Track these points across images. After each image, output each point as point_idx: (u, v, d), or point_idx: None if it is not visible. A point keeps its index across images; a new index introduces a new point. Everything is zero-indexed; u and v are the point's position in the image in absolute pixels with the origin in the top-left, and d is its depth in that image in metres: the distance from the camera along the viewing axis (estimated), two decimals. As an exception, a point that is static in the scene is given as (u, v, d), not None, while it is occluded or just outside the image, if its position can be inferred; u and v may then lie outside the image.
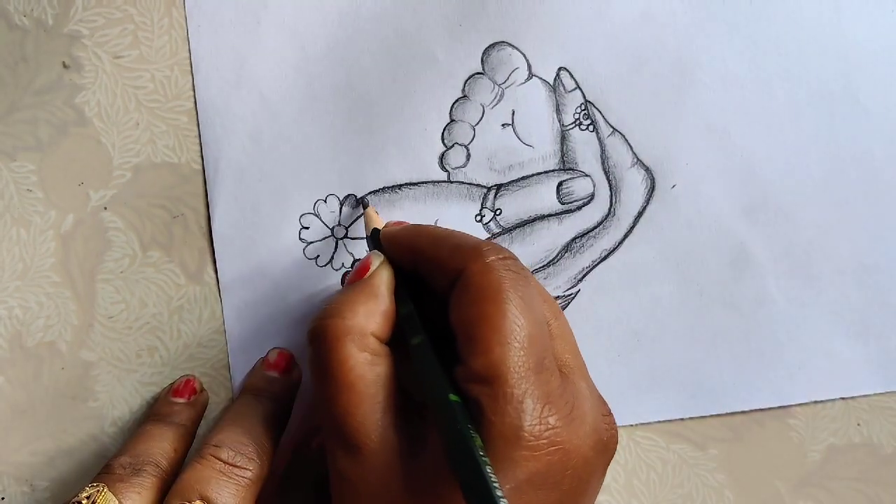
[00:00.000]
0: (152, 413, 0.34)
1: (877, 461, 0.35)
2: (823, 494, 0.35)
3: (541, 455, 0.24)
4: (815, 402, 0.35)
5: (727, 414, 0.35)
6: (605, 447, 0.26)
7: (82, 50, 0.34)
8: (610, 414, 0.27)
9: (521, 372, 0.24)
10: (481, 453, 0.22)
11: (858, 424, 0.35)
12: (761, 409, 0.35)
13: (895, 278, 0.35)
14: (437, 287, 0.27)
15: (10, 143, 0.34)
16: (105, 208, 0.35)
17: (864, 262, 0.34)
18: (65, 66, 0.34)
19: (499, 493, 0.21)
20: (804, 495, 0.35)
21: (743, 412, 0.35)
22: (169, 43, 0.35)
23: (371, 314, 0.27)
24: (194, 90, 0.35)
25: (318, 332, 0.27)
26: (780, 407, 0.35)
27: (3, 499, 0.34)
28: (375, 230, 0.31)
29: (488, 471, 0.22)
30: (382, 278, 0.29)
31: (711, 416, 0.35)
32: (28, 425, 0.34)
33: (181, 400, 0.34)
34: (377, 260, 0.29)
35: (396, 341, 0.28)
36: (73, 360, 0.35)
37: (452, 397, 0.24)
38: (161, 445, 0.31)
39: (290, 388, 0.34)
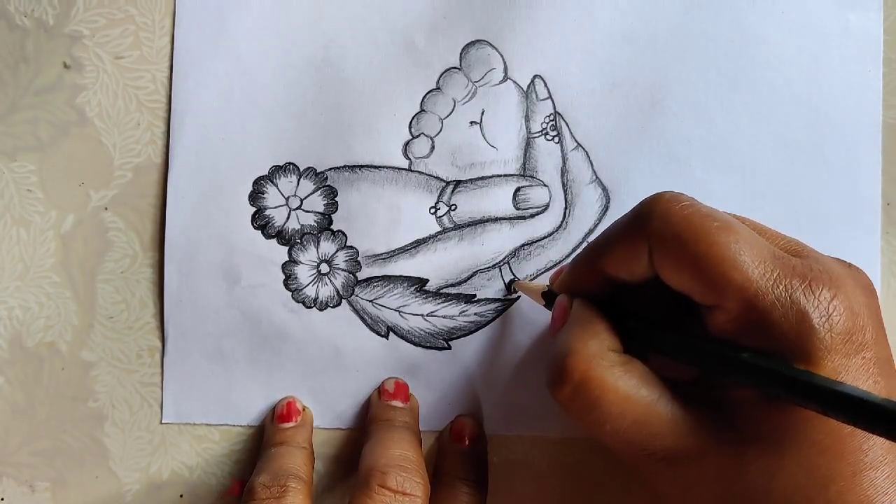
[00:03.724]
0: (267, 443, 0.33)
1: None
2: None
3: (837, 326, 0.23)
4: None
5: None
6: (871, 290, 0.26)
7: (83, 50, 0.35)
8: (851, 264, 0.27)
9: (769, 276, 0.24)
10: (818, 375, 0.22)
11: None
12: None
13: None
14: (638, 274, 0.27)
15: (11, 143, 0.35)
16: (106, 208, 0.35)
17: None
18: (65, 66, 0.34)
19: (876, 398, 0.20)
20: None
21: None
22: (170, 44, 0.35)
23: (597, 335, 0.27)
24: (172, 38, 0.35)
25: (564, 375, 0.26)
26: None
27: (2, 499, 0.35)
28: (548, 289, 0.31)
29: (839, 383, 0.21)
30: (585, 304, 0.28)
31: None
32: (28, 426, 0.35)
33: (290, 424, 0.33)
34: (567, 299, 0.29)
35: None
36: (74, 361, 0.35)
37: (747, 356, 0.24)
38: (294, 462, 0.31)
39: (415, 416, 0.34)
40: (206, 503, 0.35)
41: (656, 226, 0.25)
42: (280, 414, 0.34)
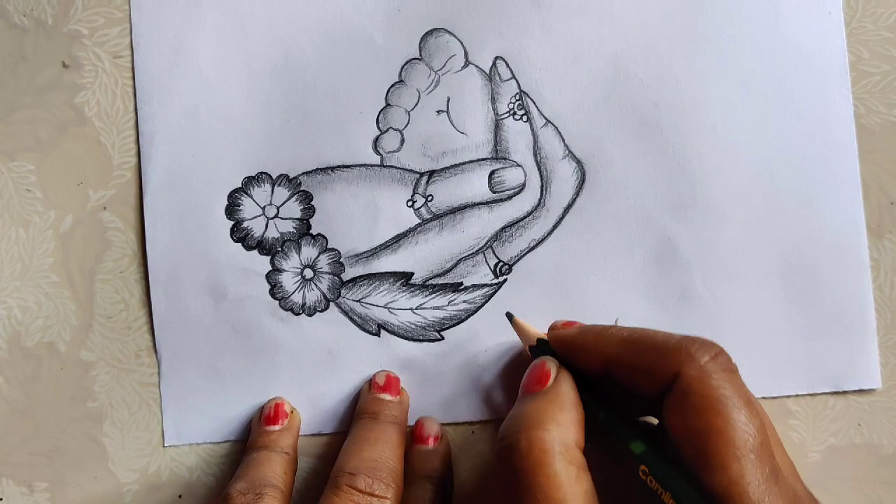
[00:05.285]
0: (251, 445, 0.33)
1: (877, 461, 0.35)
2: (824, 495, 0.34)
3: None
4: (816, 401, 0.35)
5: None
6: None
7: (82, 49, 0.35)
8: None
9: (762, 485, 0.23)
10: None
11: (859, 425, 0.35)
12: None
13: (821, 279, 0.35)
14: (641, 391, 0.26)
15: (10, 142, 0.35)
16: (104, 208, 0.35)
17: (791, 262, 0.35)
18: (64, 65, 0.35)
19: None
20: (806, 495, 0.35)
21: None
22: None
23: (570, 424, 0.26)
24: (133, 64, 0.35)
25: (520, 446, 0.25)
26: (779, 405, 0.35)
27: (1, 499, 0.35)
28: (541, 340, 0.31)
29: None
30: (569, 385, 0.28)
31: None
32: (27, 426, 0.35)
33: (276, 427, 0.33)
34: (554, 366, 0.29)
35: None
36: (72, 361, 0.35)
37: None
38: (273, 469, 0.31)
39: (404, 410, 0.34)
40: (206, 503, 0.35)
41: (690, 374, 0.25)
42: (267, 415, 0.34)
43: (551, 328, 0.31)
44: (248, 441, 0.34)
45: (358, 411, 0.34)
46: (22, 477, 0.34)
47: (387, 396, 0.33)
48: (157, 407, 0.35)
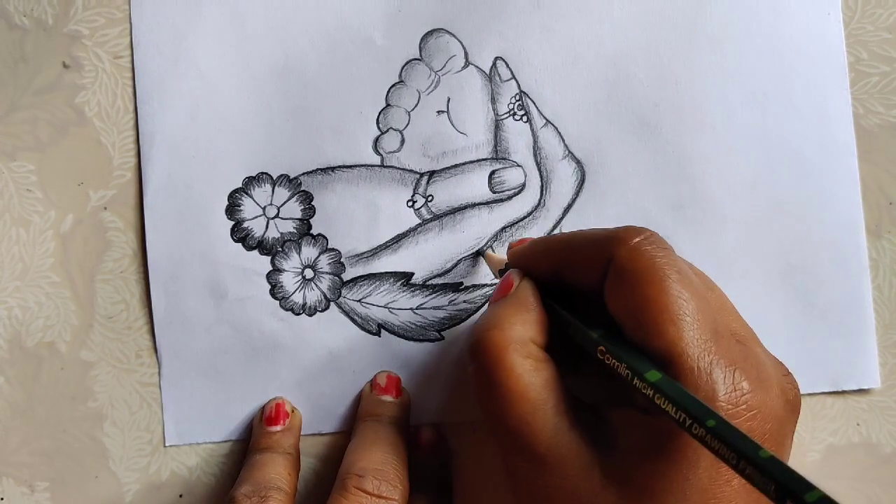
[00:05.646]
0: (253, 447, 0.33)
1: (876, 461, 0.35)
2: None
3: (740, 423, 0.24)
4: (815, 400, 0.35)
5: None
6: (793, 406, 0.26)
7: (82, 50, 0.35)
8: (790, 374, 0.27)
9: (700, 344, 0.24)
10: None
11: (858, 424, 0.35)
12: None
13: (821, 279, 0.35)
14: (586, 285, 0.27)
15: (10, 142, 0.35)
16: (105, 208, 0.35)
17: (790, 262, 0.35)
18: (65, 65, 0.34)
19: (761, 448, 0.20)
20: (806, 496, 0.35)
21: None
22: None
23: (527, 322, 0.27)
24: (133, 64, 0.35)
25: (480, 346, 0.27)
26: None
27: (1, 499, 0.34)
28: (506, 265, 0.31)
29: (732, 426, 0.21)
30: (529, 289, 0.28)
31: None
32: (27, 426, 0.35)
33: (277, 428, 0.33)
34: (517, 276, 0.29)
35: (552, 351, 0.28)
36: (73, 361, 0.35)
37: (656, 375, 0.24)
38: (277, 471, 0.31)
39: (406, 411, 0.34)
40: (206, 503, 0.35)
41: (621, 254, 0.26)
42: (268, 416, 0.34)
43: (508, 247, 0.32)
44: (250, 442, 0.34)
45: (360, 413, 0.34)
46: (22, 477, 0.34)
47: (388, 398, 0.34)
48: (158, 407, 0.35)
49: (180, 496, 0.35)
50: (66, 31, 0.35)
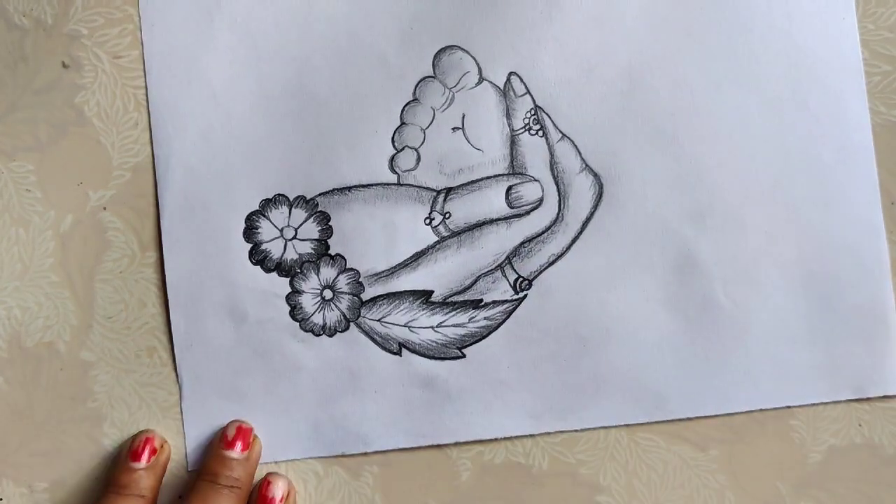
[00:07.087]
0: (111, 482, 0.33)
1: (878, 462, 0.35)
2: (824, 495, 0.34)
3: None
4: (817, 403, 0.35)
5: (727, 414, 0.34)
6: None
7: (82, 50, 0.35)
8: None
9: None
10: None
11: (860, 425, 0.35)
12: (762, 410, 0.34)
13: (842, 285, 0.34)
14: None
15: (10, 142, 0.35)
16: (104, 208, 0.35)
17: (811, 268, 0.34)
18: (64, 65, 0.34)
19: None
20: (805, 496, 0.34)
21: (744, 412, 0.34)
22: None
23: None
24: (146, 88, 0.35)
25: None
26: (782, 407, 0.34)
27: (1, 500, 0.34)
28: None
29: None
30: None
31: (710, 416, 0.34)
32: (27, 426, 0.34)
33: (140, 465, 0.32)
34: None
35: None
36: (72, 361, 0.35)
37: None
38: None
39: (251, 469, 0.33)
40: None
41: None
42: (135, 449, 0.33)
43: None
44: (112, 473, 0.33)
45: (202, 468, 0.33)
46: (22, 477, 0.34)
47: (232, 454, 0.32)
48: (158, 406, 0.35)
49: (180, 497, 0.35)
50: (66, 30, 0.34)
